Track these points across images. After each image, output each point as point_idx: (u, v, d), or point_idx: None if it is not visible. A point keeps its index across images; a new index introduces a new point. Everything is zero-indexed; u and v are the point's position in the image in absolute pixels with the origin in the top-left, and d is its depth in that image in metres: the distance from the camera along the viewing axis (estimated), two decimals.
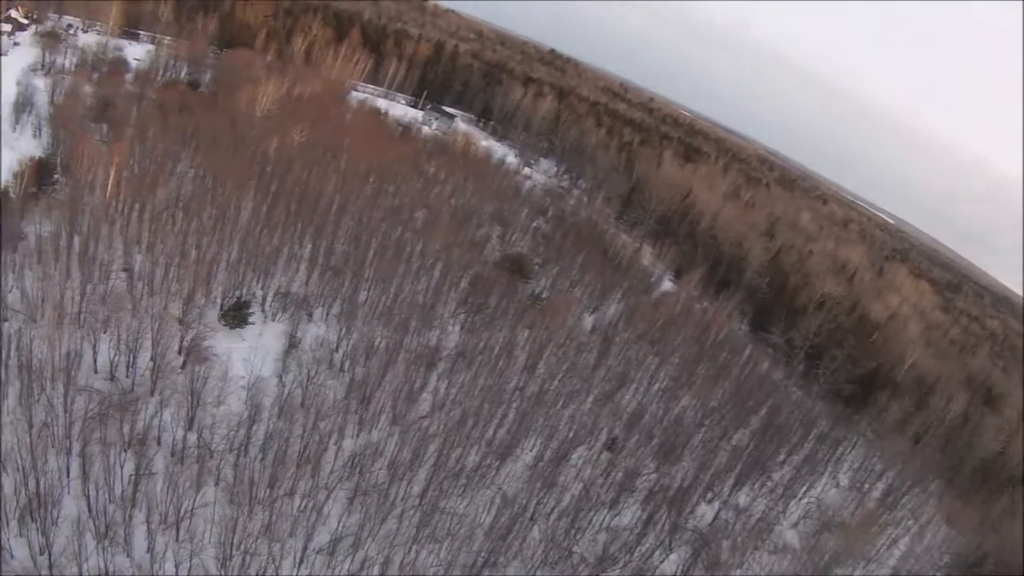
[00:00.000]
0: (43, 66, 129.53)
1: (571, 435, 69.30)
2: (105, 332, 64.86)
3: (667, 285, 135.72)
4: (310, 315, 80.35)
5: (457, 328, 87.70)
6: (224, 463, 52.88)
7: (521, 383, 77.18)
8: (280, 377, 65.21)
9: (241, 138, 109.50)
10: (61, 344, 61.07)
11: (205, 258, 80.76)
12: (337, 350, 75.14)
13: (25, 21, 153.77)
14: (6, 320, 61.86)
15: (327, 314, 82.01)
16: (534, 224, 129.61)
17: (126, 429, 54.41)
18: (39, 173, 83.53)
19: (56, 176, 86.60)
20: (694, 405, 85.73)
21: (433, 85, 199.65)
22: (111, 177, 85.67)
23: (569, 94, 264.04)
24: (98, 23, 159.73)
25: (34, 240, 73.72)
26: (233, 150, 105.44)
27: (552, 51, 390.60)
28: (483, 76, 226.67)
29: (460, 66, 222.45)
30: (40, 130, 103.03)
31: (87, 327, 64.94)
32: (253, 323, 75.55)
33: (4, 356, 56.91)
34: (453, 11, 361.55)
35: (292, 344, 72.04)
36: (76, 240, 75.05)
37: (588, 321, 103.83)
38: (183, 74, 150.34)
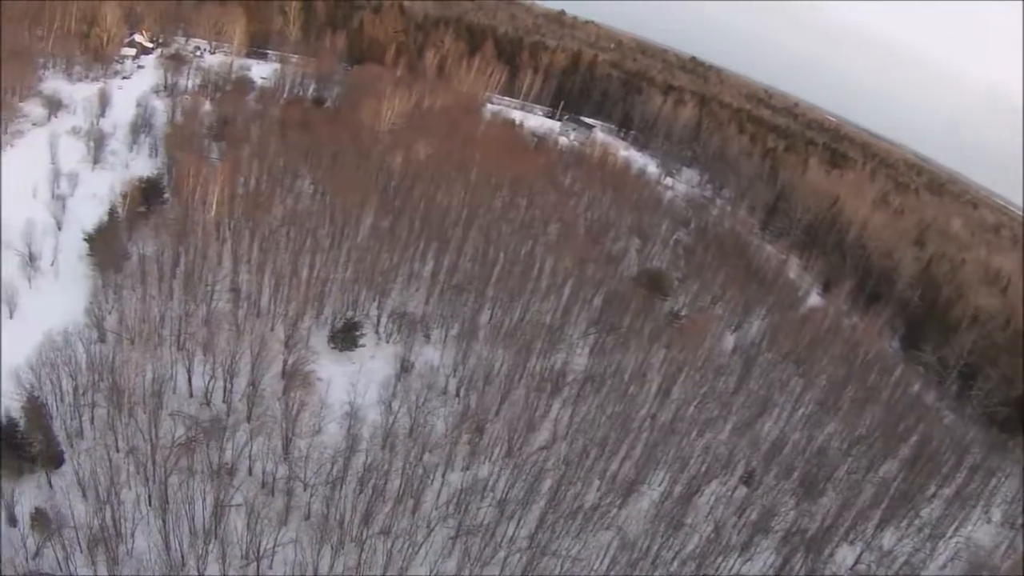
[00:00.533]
0: (165, 87, 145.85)
1: (704, 468, 69.50)
2: (205, 355, 69.25)
3: (814, 299, 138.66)
4: (427, 336, 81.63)
5: (586, 350, 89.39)
6: (315, 497, 53.75)
7: (652, 410, 78.53)
8: (388, 404, 65.94)
9: (364, 153, 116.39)
10: (155, 367, 66.02)
11: (317, 277, 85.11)
12: (453, 374, 76.16)
13: (150, 45, 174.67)
14: (102, 341, 68.16)
15: (445, 336, 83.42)
16: (674, 236, 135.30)
17: (214, 458, 57.20)
18: (148, 193, 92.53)
19: (166, 195, 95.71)
20: (840, 433, 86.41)
21: (570, 96, 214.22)
22: (220, 195, 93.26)
23: (711, 101, 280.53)
24: (225, 44, 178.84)
25: (139, 260, 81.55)
26: (354, 166, 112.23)
27: (693, 58, 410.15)
28: (622, 85, 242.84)
29: (598, 76, 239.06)
30: (156, 150, 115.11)
31: (186, 350, 69.57)
32: (363, 346, 77.53)
33: (95, 378, 62.42)
34: (593, 22, 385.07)
35: (404, 368, 72.96)
36: (183, 260, 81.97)
37: (729, 340, 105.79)
38: (310, 91, 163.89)
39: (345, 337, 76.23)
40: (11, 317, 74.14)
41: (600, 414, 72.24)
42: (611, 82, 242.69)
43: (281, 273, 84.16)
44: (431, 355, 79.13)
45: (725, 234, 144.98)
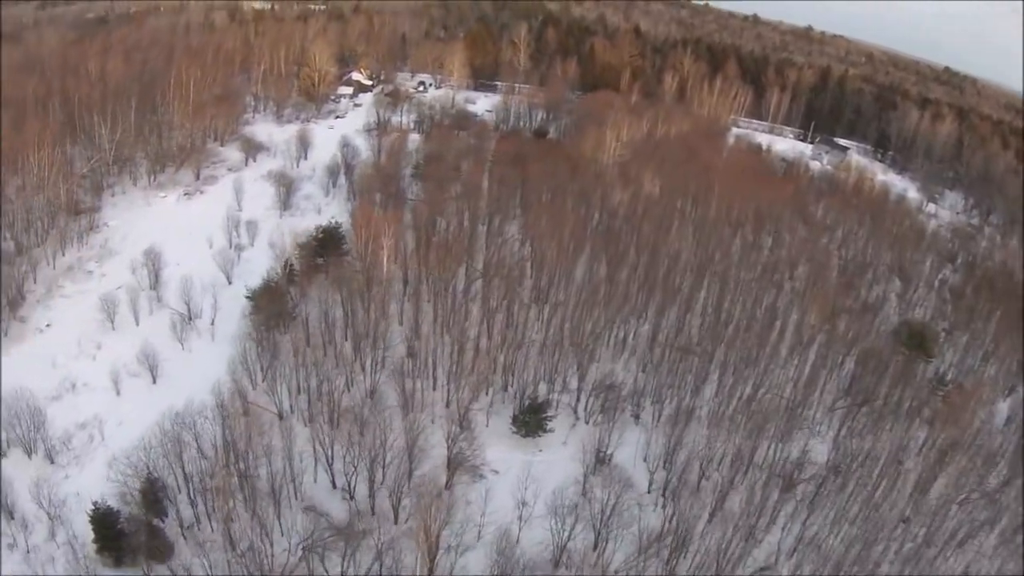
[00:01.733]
0: (378, 125, 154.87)
1: None
2: (361, 434, 68.10)
3: None
4: (636, 416, 75.21)
5: (831, 432, 79.46)
6: None
7: (907, 512, 68.98)
8: (566, 513, 60.12)
9: (582, 191, 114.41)
10: (299, 447, 65.86)
11: (512, 341, 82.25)
12: (662, 465, 69.36)
13: (368, 83, 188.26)
14: (245, 415, 69.26)
15: (658, 415, 76.54)
16: (939, 276, 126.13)
17: (350, 570, 54.63)
18: (327, 242, 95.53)
19: (346, 245, 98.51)
20: None
21: (821, 115, 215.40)
22: (410, 242, 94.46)
23: (969, 113, 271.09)
24: (451, 78, 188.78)
25: (305, 320, 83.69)
26: (569, 206, 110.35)
27: (947, 69, 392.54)
28: (875, 101, 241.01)
29: (850, 92, 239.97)
30: (354, 194, 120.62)
31: (339, 429, 68.90)
32: (552, 430, 72.68)
33: (227, 458, 62.99)
34: (842, 36, 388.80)
35: (598, 460, 67.02)
36: (355, 320, 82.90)
37: (1002, 409, 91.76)
38: (536, 121, 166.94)
39: (531, 420, 71.75)
40: (154, 382, 78.90)
41: (842, 517, 64.11)
42: (863, 98, 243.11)
43: (468, 335, 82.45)
44: (636, 441, 72.42)
45: (996, 270, 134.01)
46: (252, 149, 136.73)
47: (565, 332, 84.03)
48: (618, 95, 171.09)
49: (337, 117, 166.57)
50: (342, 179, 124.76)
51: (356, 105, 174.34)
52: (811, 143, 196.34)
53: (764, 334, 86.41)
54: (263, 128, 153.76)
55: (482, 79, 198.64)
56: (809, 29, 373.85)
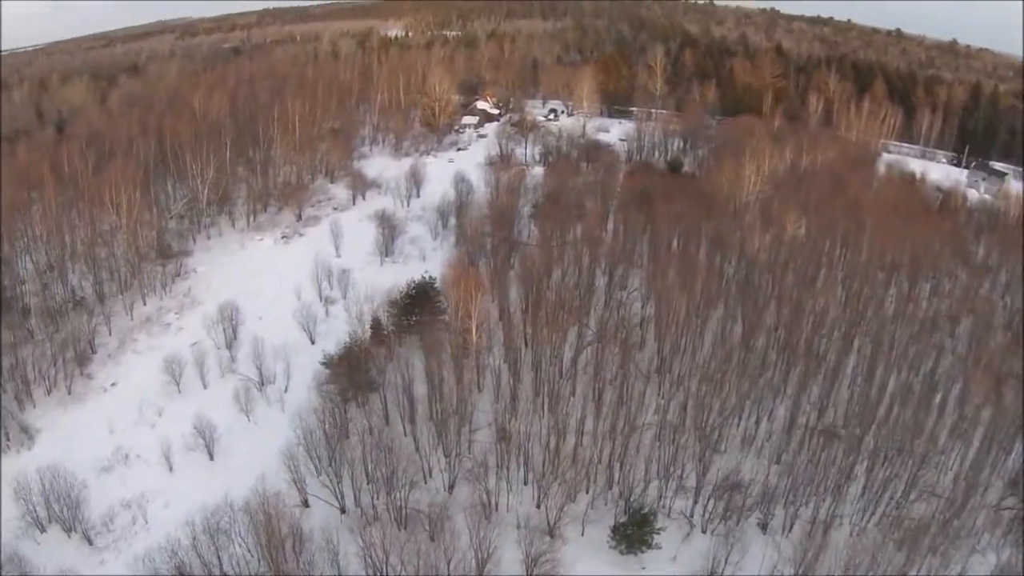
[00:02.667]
0: (500, 158, 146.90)
1: None
2: (433, 538, 59.25)
3: None
4: (763, 524, 62.26)
5: (997, 542, 62.90)
6: None
7: None
8: None
9: (717, 235, 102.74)
10: (356, 551, 57.20)
11: (622, 428, 71.18)
12: None
13: (495, 111, 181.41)
14: (305, 505, 60.96)
15: (790, 522, 63.31)
16: None
17: None
18: (419, 299, 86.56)
19: (442, 302, 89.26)
20: None
21: (974, 136, 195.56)
22: (481, 310, 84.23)
23: None
24: (584, 105, 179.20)
25: (385, 392, 75.10)
26: (702, 253, 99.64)
27: None
28: None
29: (1002, 110, 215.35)
30: (462, 238, 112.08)
31: (406, 530, 60.09)
32: (660, 547, 61.03)
33: (272, 557, 54.76)
34: (987, 49, 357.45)
35: None
36: (441, 393, 73.80)
37: None
38: (672, 151, 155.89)
39: (634, 533, 60.19)
40: (211, 458, 71.98)
41: None
42: (1016, 116, 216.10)
43: (571, 415, 71.98)
44: (762, 557, 59.82)
45: None
46: (361, 186, 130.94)
47: (687, 413, 72.19)
48: (760, 120, 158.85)
49: (459, 149, 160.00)
50: (453, 220, 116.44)
51: (480, 136, 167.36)
52: (965, 168, 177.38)
53: (921, 411, 71.15)
54: (378, 162, 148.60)
55: (616, 105, 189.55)
56: (954, 43, 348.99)
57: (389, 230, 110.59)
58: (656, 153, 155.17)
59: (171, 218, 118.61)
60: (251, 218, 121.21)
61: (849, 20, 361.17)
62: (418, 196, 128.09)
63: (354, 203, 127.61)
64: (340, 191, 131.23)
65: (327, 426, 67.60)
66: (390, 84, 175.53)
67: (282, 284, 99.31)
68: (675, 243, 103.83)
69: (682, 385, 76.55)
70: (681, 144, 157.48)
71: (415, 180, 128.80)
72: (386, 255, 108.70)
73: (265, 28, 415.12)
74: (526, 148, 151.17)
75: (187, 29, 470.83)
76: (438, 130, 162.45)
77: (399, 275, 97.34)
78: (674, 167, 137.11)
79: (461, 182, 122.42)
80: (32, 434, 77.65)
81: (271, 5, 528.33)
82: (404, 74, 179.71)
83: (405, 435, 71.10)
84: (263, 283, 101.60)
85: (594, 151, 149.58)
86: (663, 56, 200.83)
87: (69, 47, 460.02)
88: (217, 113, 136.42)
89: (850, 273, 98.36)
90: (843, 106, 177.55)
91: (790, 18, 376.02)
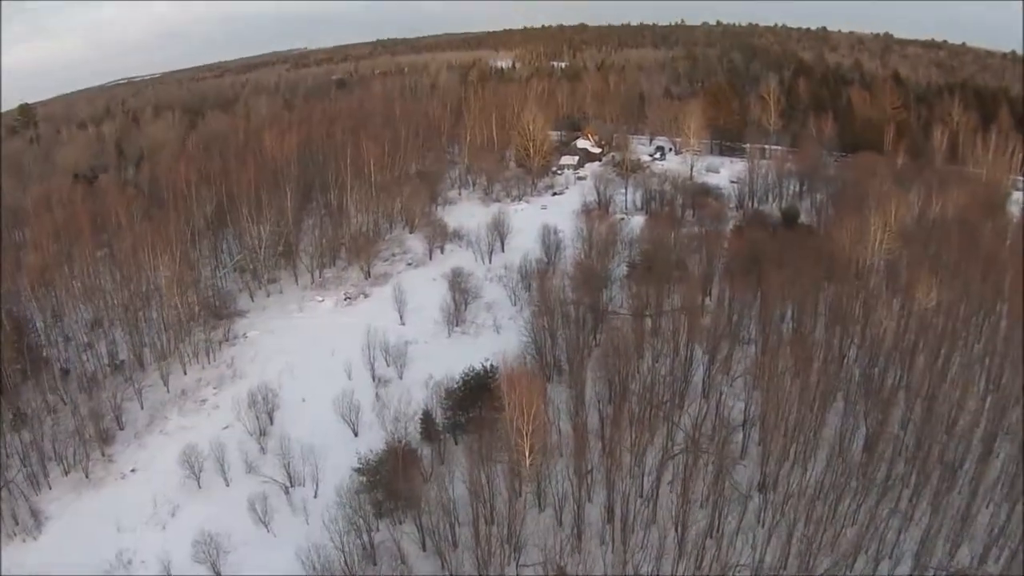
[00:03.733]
0: (598, 205, 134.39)
1: None
2: None
3: None
4: None
5: None
6: None
7: None
8: None
9: (836, 307, 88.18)
10: None
11: (709, 567, 57.72)
12: None
13: (596, 150, 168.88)
14: None
15: None
16: None
17: None
18: (476, 391, 74.32)
19: (503, 396, 75.76)
20: None
21: None
22: (540, 413, 71.47)
23: None
24: (692, 142, 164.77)
25: (429, 506, 63.05)
26: (819, 332, 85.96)
27: None
28: None
29: None
30: (545, 307, 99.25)
31: None
32: None
33: None
34: None
35: None
36: (493, 510, 61.97)
37: None
38: (787, 194, 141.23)
39: None
40: None
41: None
42: None
43: (646, 552, 58.69)
44: None
45: None
46: (440, 237, 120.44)
47: (792, 549, 57.97)
48: (881, 157, 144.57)
49: (555, 194, 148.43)
50: (533, 285, 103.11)
51: (579, 178, 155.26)
52: None
53: None
54: (465, 209, 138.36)
55: (727, 140, 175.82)
56: None
57: (461, 294, 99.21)
58: (770, 197, 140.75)
59: (225, 273, 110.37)
60: (316, 273, 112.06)
61: (964, 43, 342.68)
62: (502, 250, 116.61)
63: (431, 258, 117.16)
64: (417, 244, 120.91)
65: (345, 557, 56.36)
66: (484, 120, 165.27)
67: (335, 357, 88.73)
68: (788, 315, 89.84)
69: (786, 510, 62.10)
70: (797, 186, 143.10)
71: (499, 232, 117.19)
72: (456, 325, 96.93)
73: (376, 59, 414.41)
74: (626, 193, 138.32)
75: (299, 60, 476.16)
76: (533, 172, 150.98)
77: (467, 351, 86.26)
78: (789, 217, 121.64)
79: (551, 234, 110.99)
80: (41, 521, 70.33)
81: (385, 36, 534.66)
82: (499, 110, 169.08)
83: (443, 568, 58.86)
84: (315, 354, 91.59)
85: (701, 197, 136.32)
86: (776, 86, 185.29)
87: (184, 76, 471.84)
88: (286, 155, 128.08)
89: (989, 351, 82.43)
90: (968, 139, 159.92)
91: (904, 43, 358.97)
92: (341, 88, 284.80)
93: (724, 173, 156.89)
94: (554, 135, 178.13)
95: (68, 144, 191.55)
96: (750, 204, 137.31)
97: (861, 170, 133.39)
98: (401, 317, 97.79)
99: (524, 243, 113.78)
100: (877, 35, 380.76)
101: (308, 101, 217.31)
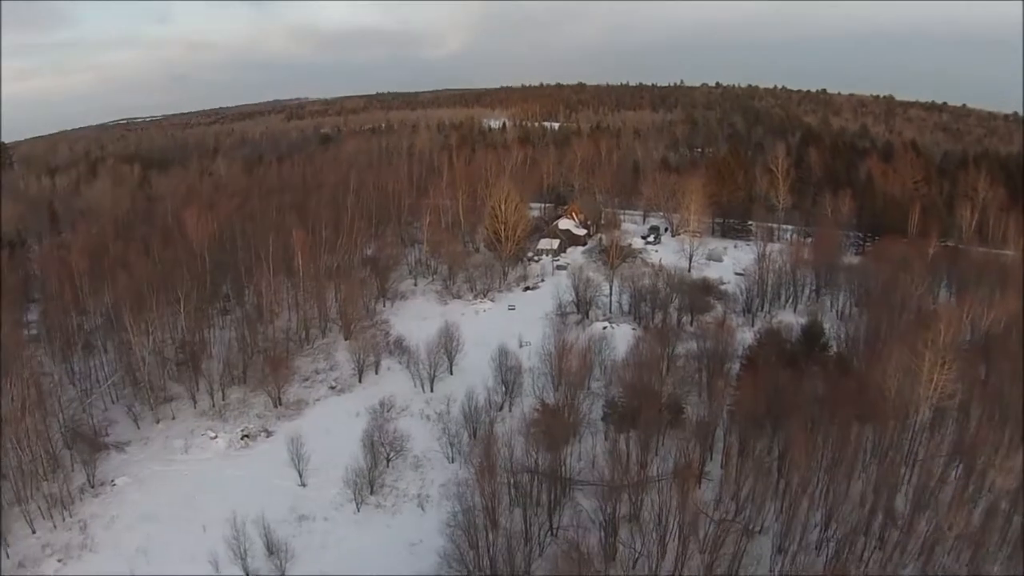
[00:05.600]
0: (577, 308, 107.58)
1: None
2: None
3: None
4: None
5: None
6: None
7: None
8: None
9: (882, 484, 61.44)
10: None
11: None
12: None
13: (581, 232, 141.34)
14: None
15: None
16: None
17: None
18: None
19: None
20: None
21: None
22: None
23: None
24: (691, 222, 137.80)
25: None
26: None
27: None
28: None
29: None
30: (487, 474, 70.15)
31: None
32: None
33: None
34: None
35: None
36: None
37: None
38: (805, 295, 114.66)
39: None
40: None
41: None
42: None
43: None
44: None
45: None
46: (377, 351, 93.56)
47: None
48: (908, 242, 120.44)
49: (527, 288, 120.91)
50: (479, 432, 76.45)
51: (559, 267, 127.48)
52: None
53: None
54: (418, 308, 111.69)
55: (731, 218, 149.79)
56: None
57: (383, 447, 72.12)
58: (783, 296, 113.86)
59: (104, 389, 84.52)
60: (219, 396, 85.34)
61: (964, 105, 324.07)
62: (450, 371, 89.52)
63: (361, 379, 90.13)
64: (348, 359, 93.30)
65: None
66: (454, 193, 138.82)
67: (207, 534, 61.93)
68: (816, 492, 63.73)
69: None
70: (814, 281, 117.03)
71: (446, 349, 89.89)
72: (370, 492, 69.55)
73: (371, 113, 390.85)
74: (611, 293, 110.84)
75: (295, 111, 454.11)
76: (503, 259, 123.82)
77: (378, 537, 62.09)
78: (812, 335, 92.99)
79: (508, 360, 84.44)
80: None
81: (385, 89, 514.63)
82: (471, 181, 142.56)
83: None
84: (184, 527, 65.69)
85: (701, 297, 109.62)
86: (784, 157, 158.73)
87: (181, 120, 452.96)
88: (203, 238, 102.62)
89: None
90: (996, 215, 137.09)
91: (906, 104, 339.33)
92: (324, 143, 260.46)
93: (727, 262, 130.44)
94: (536, 209, 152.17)
95: (15, 199, 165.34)
96: (760, 306, 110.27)
97: (889, 262, 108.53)
98: (301, 475, 70.60)
99: (478, 362, 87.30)
100: (877, 97, 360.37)
101: (277, 161, 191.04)
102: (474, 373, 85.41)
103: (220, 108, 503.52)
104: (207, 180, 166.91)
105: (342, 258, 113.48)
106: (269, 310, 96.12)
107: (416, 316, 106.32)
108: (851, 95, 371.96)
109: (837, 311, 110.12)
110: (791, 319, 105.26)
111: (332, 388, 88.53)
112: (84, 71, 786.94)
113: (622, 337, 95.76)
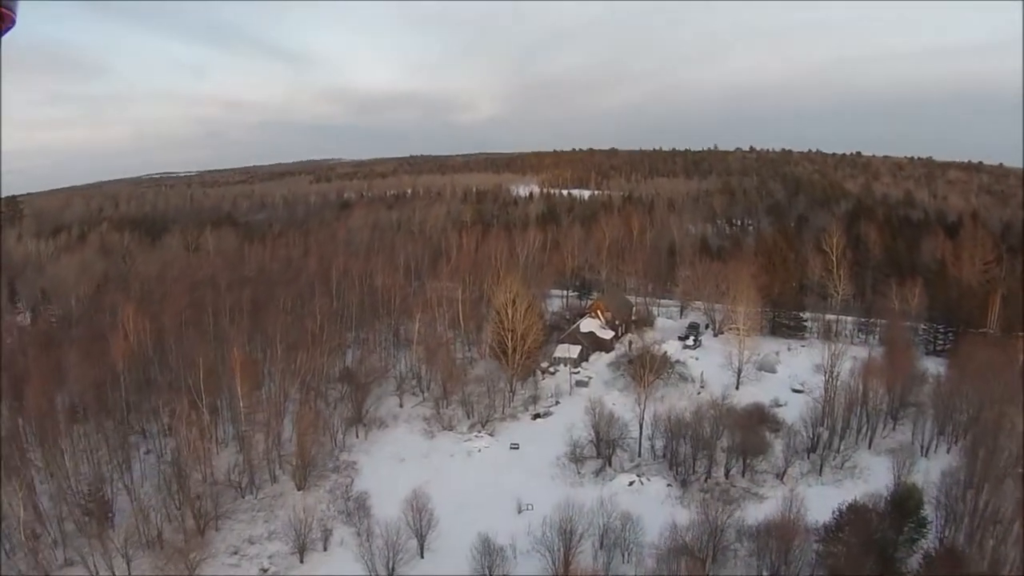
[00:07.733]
0: (596, 451, 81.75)
1: None
2: None
3: None
4: None
5: None
6: None
7: None
8: None
9: None
10: None
11: None
12: None
13: (607, 335, 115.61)
14: None
15: None
16: None
17: None
18: None
19: None
20: None
21: None
22: None
23: None
24: (739, 320, 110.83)
25: None
26: None
27: None
28: None
29: None
30: None
31: None
32: None
33: None
34: None
35: None
36: None
37: None
38: (882, 421, 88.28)
39: None
40: None
41: None
42: None
43: None
44: None
45: None
46: (329, 518, 68.95)
47: None
48: (990, 343, 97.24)
49: (537, 415, 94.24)
50: None
51: (579, 383, 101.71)
52: None
53: None
54: (399, 442, 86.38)
55: (782, 313, 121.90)
56: None
57: None
58: (854, 426, 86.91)
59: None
60: (127, 566, 61.17)
61: (1001, 164, 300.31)
62: (421, 555, 64.48)
63: (302, 559, 65.20)
64: (288, 526, 68.06)
65: None
66: (458, 284, 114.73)
67: None
68: None
69: None
70: (887, 400, 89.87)
71: (414, 527, 64.61)
72: None
73: (400, 178, 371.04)
74: (641, 429, 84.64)
75: (325, 172, 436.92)
76: (510, 376, 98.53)
77: None
78: (906, 509, 66.41)
79: (494, 554, 59.55)
80: None
81: (420, 152, 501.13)
82: (476, 271, 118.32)
83: None
84: None
85: (754, 433, 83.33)
86: (840, 236, 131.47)
87: (212, 177, 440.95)
88: (130, 348, 79.96)
89: None
90: None
91: (944, 166, 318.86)
92: (344, 209, 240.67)
93: (782, 372, 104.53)
94: (558, 297, 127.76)
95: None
96: (828, 443, 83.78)
97: (980, 377, 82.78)
98: None
99: (459, 542, 61.79)
100: (912, 159, 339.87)
101: (274, 236, 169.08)
102: (452, 556, 60.85)
103: (253, 166, 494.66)
104: (182, 259, 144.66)
105: (312, 370, 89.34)
106: (191, 453, 71.83)
107: (393, 456, 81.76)
108: (886, 157, 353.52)
109: (921, 445, 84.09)
110: (867, 461, 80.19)
111: (263, 572, 63.61)
112: (121, 124, 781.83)
113: (653, 499, 71.02)
